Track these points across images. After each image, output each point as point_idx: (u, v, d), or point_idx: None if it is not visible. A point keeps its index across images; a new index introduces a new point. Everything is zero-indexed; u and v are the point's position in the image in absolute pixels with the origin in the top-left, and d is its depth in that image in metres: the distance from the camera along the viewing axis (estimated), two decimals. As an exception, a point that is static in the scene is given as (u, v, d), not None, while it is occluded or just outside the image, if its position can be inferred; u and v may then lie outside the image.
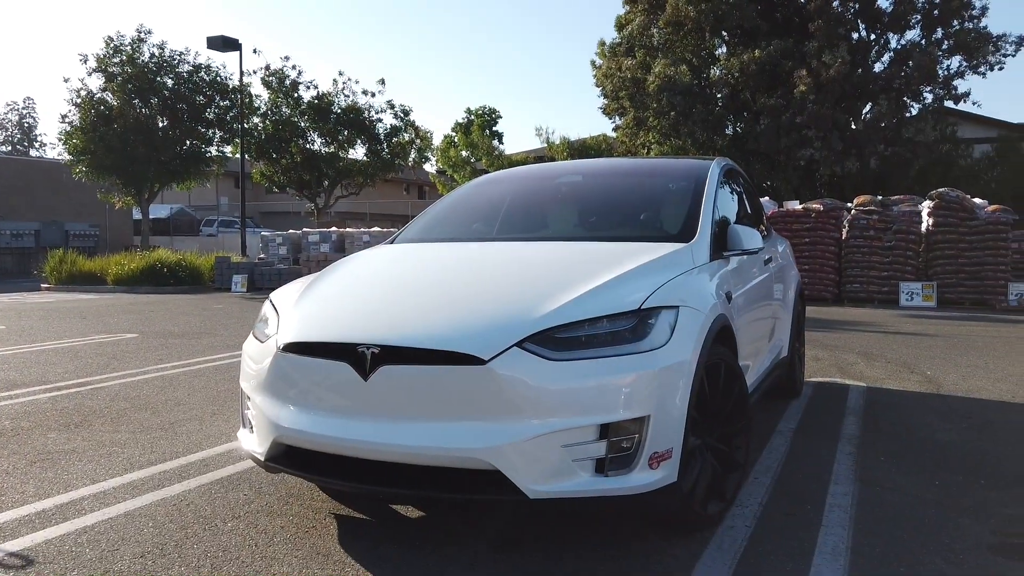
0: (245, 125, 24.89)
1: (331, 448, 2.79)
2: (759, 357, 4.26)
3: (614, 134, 33.87)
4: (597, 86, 32.75)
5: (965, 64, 26.09)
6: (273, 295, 3.48)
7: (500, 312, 2.78)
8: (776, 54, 25.46)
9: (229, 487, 3.68)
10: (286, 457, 2.97)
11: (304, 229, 21.50)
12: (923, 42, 26.61)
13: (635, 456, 2.62)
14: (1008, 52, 25.91)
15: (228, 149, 26.21)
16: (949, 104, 26.31)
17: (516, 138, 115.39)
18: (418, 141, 27.22)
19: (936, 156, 26.26)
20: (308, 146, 26.17)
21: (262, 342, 3.15)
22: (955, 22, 26.30)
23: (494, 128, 50.74)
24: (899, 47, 27.04)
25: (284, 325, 3.04)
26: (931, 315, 12.43)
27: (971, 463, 4.01)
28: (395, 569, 2.75)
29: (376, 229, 21.28)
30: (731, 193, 4.39)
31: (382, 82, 26.39)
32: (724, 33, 28.63)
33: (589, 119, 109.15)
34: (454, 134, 53.58)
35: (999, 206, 13.68)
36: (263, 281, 19.55)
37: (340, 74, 39.72)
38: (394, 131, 26.64)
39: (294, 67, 26.80)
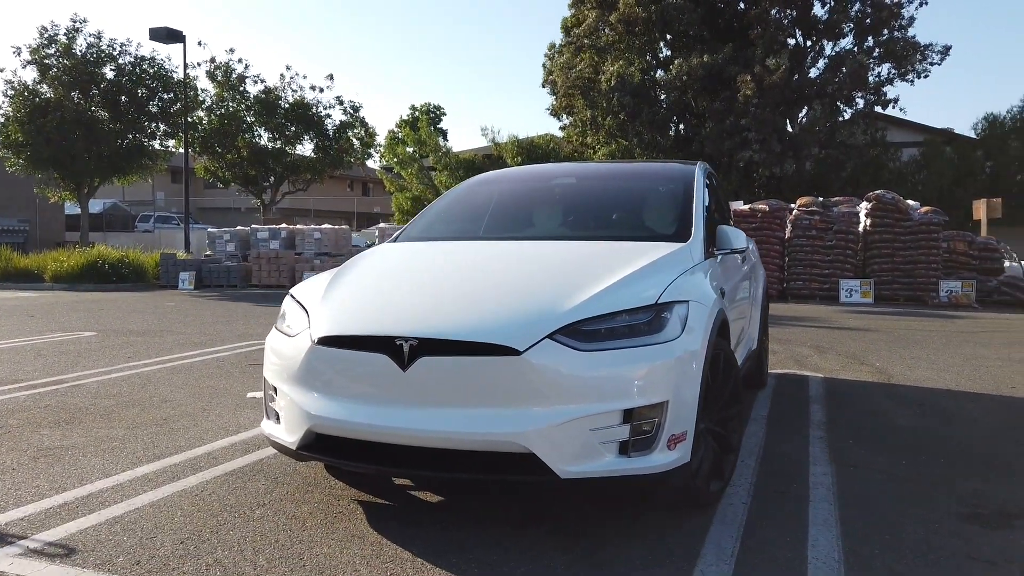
0: (189, 119, 24.39)
1: (368, 435, 2.95)
2: (738, 349, 4.57)
3: (560, 133, 34.35)
4: (545, 86, 33.16)
5: (894, 71, 27.38)
6: (295, 291, 3.60)
7: (530, 306, 2.99)
8: (723, 60, 26.21)
9: (246, 477, 3.79)
10: (318, 445, 3.12)
11: (252, 226, 21.24)
12: (855, 50, 27.79)
13: (655, 438, 2.86)
14: (934, 61, 27.24)
15: (172, 143, 25.64)
16: (879, 110, 27.53)
17: (461, 136, 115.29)
18: (366, 137, 27.05)
19: (867, 159, 27.46)
20: (255, 141, 25.77)
21: (291, 336, 3.28)
22: (885, 31, 27.55)
23: (439, 125, 50.66)
24: (833, 54, 28.20)
25: (316, 320, 3.18)
26: (870, 311, 13.12)
27: (931, 445, 4.40)
28: (428, 547, 2.93)
29: (327, 226, 21.15)
30: (711, 195, 4.69)
31: (330, 77, 26.36)
32: (669, 36, 29.31)
33: (534, 119, 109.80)
34: (398, 130, 53.37)
35: (930, 208, 14.51)
36: (212, 278, 19.26)
37: (287, 68, 39.11)
38: (344, 127, 26.45)
39: (240, 60, 26.41)
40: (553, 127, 68.15)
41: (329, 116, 26.45)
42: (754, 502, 3.43)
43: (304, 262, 19.26)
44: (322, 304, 3.30)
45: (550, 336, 2.83)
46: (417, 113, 55.76)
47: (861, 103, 27.54)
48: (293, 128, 25.85)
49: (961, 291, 13.68)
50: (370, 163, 34.31)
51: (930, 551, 2.90)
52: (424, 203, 34.47)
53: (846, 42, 28.38)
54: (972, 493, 3.57)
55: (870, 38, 27.91)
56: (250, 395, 5.78)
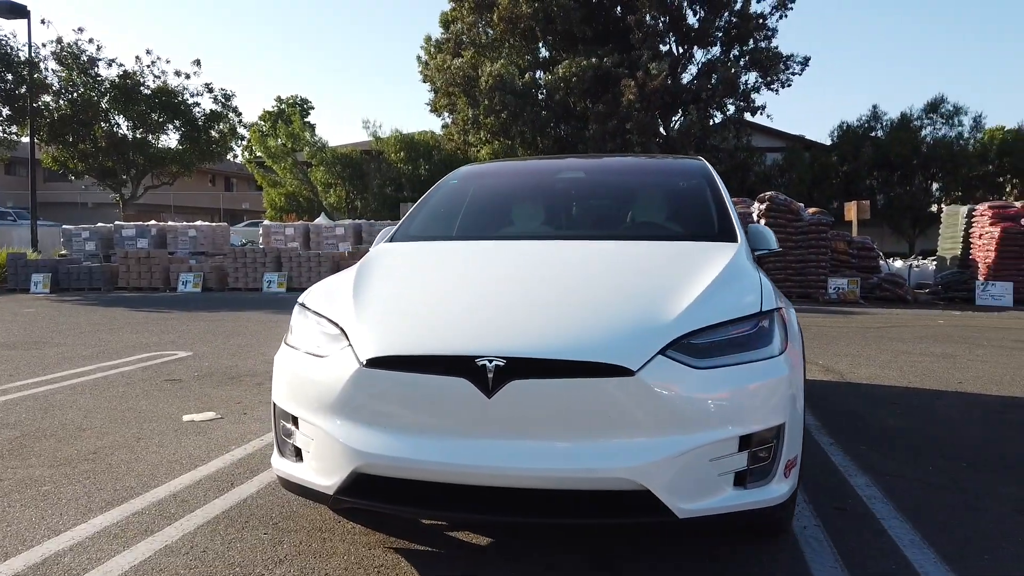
0: (35, 104, 21.89)
1: (441, 476, 2.45)
2: None
3: (441, 131, 33.82)
4: (425, 81, 32.50)
5: (760, 80, 28.88)
6: (311, 302, 3.01)
7: (632, 317, 2.59)
8: (611, 63, 26.62)
9: (239, 525, 3.15)
10: (363, 489, 2.58)
11: (116, 222, 19.35)
12: (724, 58, 29.09)
13: (772, 466, 2.55)
14: (795, 71, 28.94)
15: (15, 129, 22.90)
16: (748, 116, 28.94)
17: (331, 130, 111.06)
18: (239, 128, 25.38)
19: (736, 162, 28.76)
20: (114, 130, 23.52)
21: (321, 357, 2.71)
22: (751, 41, 29.00)
23: (307, 119, 48.79)
24: (705, 61, 29.40)
25: (361, 337, 2.63)
26: (769, 308, 13.54)
27: (937, 448, 4.36)
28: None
29: (201, 223, 19.63)
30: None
31: (197, 63, 24.35)
32: (550, 37, 29.46)
33: (413, 113, 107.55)
34: (263, 123, 50.92)
35: (818, 209, 15.23)
36: (71, 281, 17.34)
37: (148, 52, 35.68)
38: (214, 117, 24.65)
39: (91, 41, 23.99)
40: (434, 123, 67.30)
41: (198, 104, 24.57)
42: (824, 523, 3.19)
43: (179, 262, 17.72)
44: (362, 317, 2.74)
45: (662, 352, 2.44)
46: (283, 106, 53.42)
47: (732, 109, 28.84)
48: (157, 117, 23.78)
49: (848, 288, 14.44)
50: (229, 158, 32.34)
51: (1036, 569, 2.76)
52: (300, 199, 33.02)
53: (716, 50, 29.69)
54: (1021, 499, 3.50)
55: (737, 47, 29.35)
56: (187, 418, 4.99)
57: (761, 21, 28.74)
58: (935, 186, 30.32)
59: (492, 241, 3.64)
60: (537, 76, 30.70)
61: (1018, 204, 14.70)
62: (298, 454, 2.78)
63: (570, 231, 3.85)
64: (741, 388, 2.50)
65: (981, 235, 14.75)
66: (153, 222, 19.65)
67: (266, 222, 21.56)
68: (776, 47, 28.95)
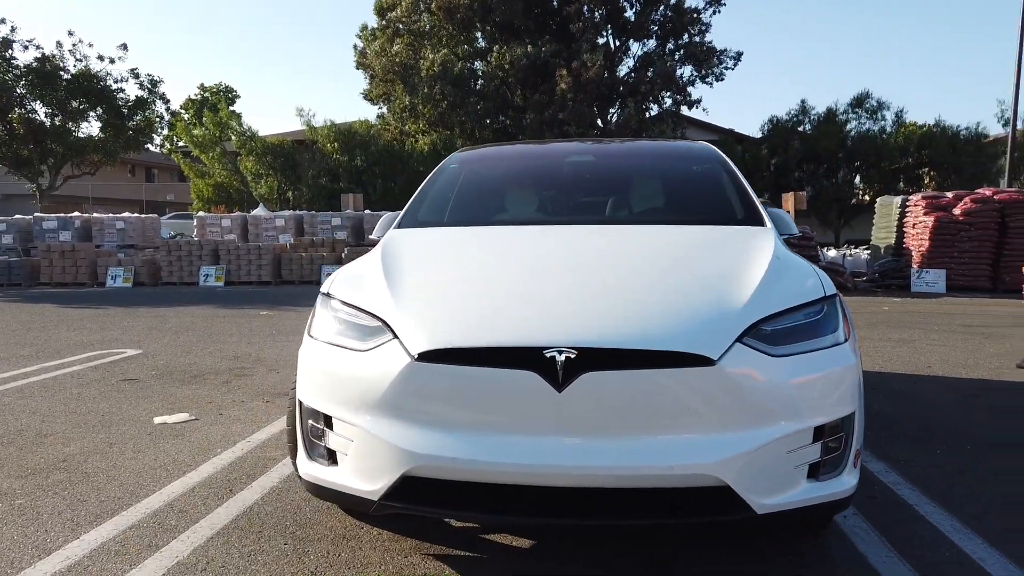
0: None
1: (506, 477, 2.27)
2: None
3: (376, 120, 33.19)
4: (359, 68, 31.81)
5: (696, 74, 29.33)
6: (339, 292, 2.76)
7: (703, 304, 2.46)
8: (547, 52, 26.56)
9: (255, 537, 2.89)
10: (411, 493, 2.38)
11: (36, 215, 18.22)
12: (660, 51, 29.44)
13: (843, 457, 2.46)
14: (728, 66, 29.49)
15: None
16: (685, 109, 29.39)
17: (260, 120, 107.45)
18: (168, 116, 24.26)
19: (672, 155, 29.12)
20: (31, 116, 22.13)
21: (361, 351, 2.48)
22: (686, 35, 29.42)
23: (232, 108, 47.25)
24: (641, 54, 29.68)
25: (408, 328, 2.41)
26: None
27: (936, 431, 4.38)
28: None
29: (129, 215, 18.68)
30: None
31: (124, 47, 23.21)
32: (488, 27, 29.21)
33: (347, 103, 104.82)
34: (184, 112, 49.02)
35: (762, 199, 15.50)
36: (-13, 276, 16.23)
37: (70, 34, 33.62)
38: (139, 104, 23.48)
39: (3, 21, 22.52)
40: (369, 112, 65.86)
41: (122, 91, 23.34)
42: (861, 511, 3.14)
43: (107, 256, 16.79)
44: (405, 308, 2.52)
45: (739, 340, 2.32)
46: (207, 94, 51.55)
47: (669, 102, 29.20)
48: (77, 103, 22.48)
49: (792, 277, 14.74)
50: (152, 148, 30.97)
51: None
52: (230, 191, 31.89)
53: (652, 44, 30.01)
54: (1041, 481, 3.54)
55: (672, 41, 29.74)
56: (158, 420, 4.64)
57: (696, 15, 29.16)
58: (858, 178, 31.45)
59: (518, 226, 3.45)
60: (475, 66, 30.46)
61: (950, 195, 15.29)
62: (332, 457, 2.55)
63: (594, 216, 3.70)
64: (814, 376, 2.40)
65: (915, 224, 15.29)
66: (77, 213, 18.57)
67: (201, 213, 20.68)
68: (710, 41, 29.47)
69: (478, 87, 29.47)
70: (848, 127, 30.57)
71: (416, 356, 2.33)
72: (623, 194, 3.87)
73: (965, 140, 29.60)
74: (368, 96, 32.61)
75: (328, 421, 2.55)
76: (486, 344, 2.30)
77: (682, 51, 29.50)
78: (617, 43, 29.98)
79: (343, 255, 16.42)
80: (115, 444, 4.15)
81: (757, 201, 3.61)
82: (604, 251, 3.03)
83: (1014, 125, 19.16)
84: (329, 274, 15.93)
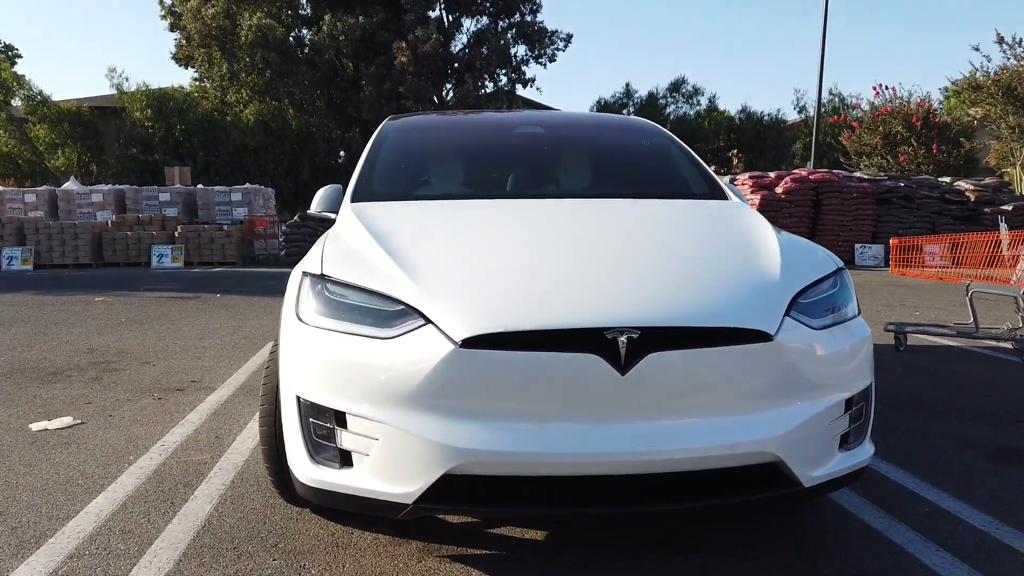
0: None
1: (567, 469, 2.12)
2: None
3: (190, 85, 30.78)
4: (172, 30, 29.26)
5: (529, 53, 29.73)
6: (335, 272, 2.41)
7: (746, 277, 2.41)
8: (377, 23, 25.77)
9: (233, 555, 2.52)
10: (448, 494, 2.16)
11: None
12: (493, 28, 29.53)
13: (865, 426, 2.53)
14: (560, 47, 30.17)
15: None
16: (520, 88, 29.74)
17: (52, 85, 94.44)
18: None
19: (506, 133, 29.44)
20: None
21: (383, 337, 2.20)
22: (518, 14, 29.71)
23: (14, 69, 42.05)
24: (475, 31, 29.62)
25: (443, 312, 2.16)
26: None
27: (911, 401, 4.47)
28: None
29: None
30: None
31: None
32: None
33: (154, 64, 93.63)
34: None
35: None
36: None
37: None
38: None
39: None
40: (183, 76, 60.37)
41: None
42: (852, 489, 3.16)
43: None
44: (433, 289, 2.25)
45: (787, 314, 2.29)
46: (-19, 51, 45.45)
47: (504, 79, 29.40)
48: None
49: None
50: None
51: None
52: (20, 162, 28.31)
53: (485, 21, 30.02)
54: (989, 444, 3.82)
55: (505, 19, 29.92)
56: (36, 427, 3.96)
57: (527, -6, 29.47)
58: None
59: (504, 200, 3.23)
60: (303, 34, 28.99)
61: (772, 175, 16.59)
62: (345, 459, 2.26)
63: (571, 189, 3.55)
64: (847, 348, 2.43)
65: (743, 203, 16.47)
66: None
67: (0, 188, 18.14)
68: (542, 22, 29.96)
69: (306, 56, 28.10)
70: (668, 111, 32.41)
71: (460, 342, 2.10)
72: (590, 168, 3.77)
73: (767, 125, 32.32)
74: (176, 58, 30.06)
75: (340, 419, 2.25)
76: (542, 326, 2.11)
77: (515, 30, 29.78)
78: (450, 19, 29.72)
79: (176, 234, 15.05)
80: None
81: (714, 175, 3.65)
82: (607, 226, 2.90)
83: (818, 113, 21.12)
84: (162, 255, 14.62)
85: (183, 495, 3.04)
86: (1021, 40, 17.55)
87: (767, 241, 2.71)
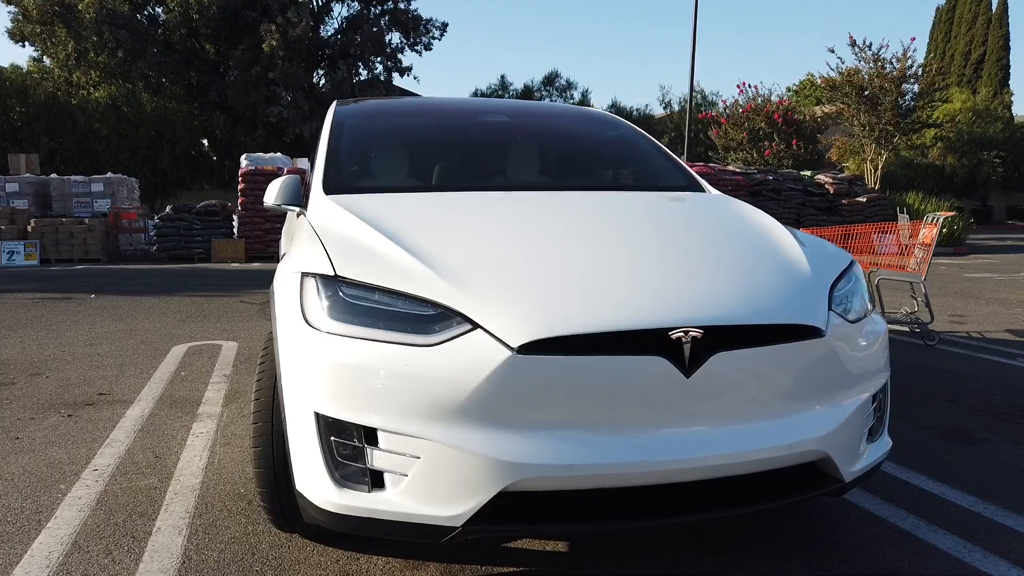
0: None
1: (634, 479, 1.99)
2: None
3: (27, 64, 28.08)
4: (8, 3, 26.45)
5: (404, 41, 29.15)
6: (350, 272, 2.13)
7: (786, 273, 2.35)
8: (239, 3, 24.42)
9: (236, 596, 2.21)
10: (501, 513, 1.98)
11: None
12: (365, 14, 28.73)
13: (885, 417, 2.55)
14: (435, 36, 29.77)
15: None
16: (397, 76, 29.10)
17: None
18: None
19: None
20: None
21: (422, 345, 1.97)
22: (390, 1, 29.05)
23: None
24: (347, 17, 28.71)
25: (494, 315, 1.96)
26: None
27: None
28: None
29: None
30: None
31: None
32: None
33: None
34: None
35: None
36: None
37: None
38: None
39: None
40: (18, 55, 54.30)
41: None
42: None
43: None
44: (476, 290, 2.05)
45: (830, 308, 2.27)
46: None
47: (380, 67, 28.68)
48: None
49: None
50: None
51: None
52: None
53: (356, 6, 29.13)
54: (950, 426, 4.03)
55: (378, 5, 29.17)
56: (-72, 456, 3.38)
57: (397, -22, 28.87)
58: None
59: (499, 192, 3.01)
60: (157, 12, 26.99)
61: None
62: (376, 480, 2.02)
63: (555, 181, 3.38)
64: (875, 341, 2.44)
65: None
66: None
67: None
68: (415, 9, 29.47)
69: (160, 35, 26.23)
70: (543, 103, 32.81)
71: (517, 348, 1.92)
72: (566, 159, 3.62)
73: (636, 120, 33.38)
74: (12, 34, 27.26)
75: (371, 436, 2.01)
76: (606, 328, 1.96)
77: (388, 16, 29.09)
78: (320, 2, 28.62)
79: (29, 228, 13.60)
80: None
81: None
82: (626, 220, 2.76)
83: (690, 109, 21.98)
84: (12, 252, 13.17)
85: (144, 527, 2.66)
86: (871, 44, 18.94)
87: (783, 234, 2.69)
